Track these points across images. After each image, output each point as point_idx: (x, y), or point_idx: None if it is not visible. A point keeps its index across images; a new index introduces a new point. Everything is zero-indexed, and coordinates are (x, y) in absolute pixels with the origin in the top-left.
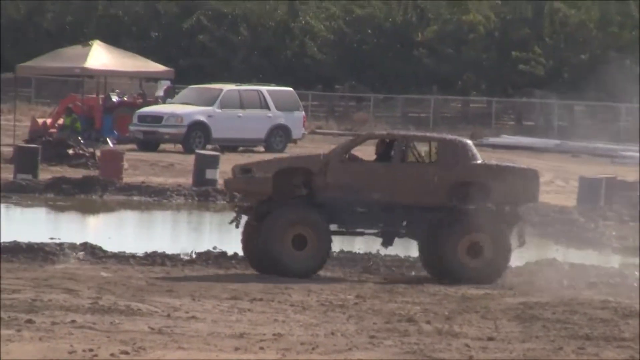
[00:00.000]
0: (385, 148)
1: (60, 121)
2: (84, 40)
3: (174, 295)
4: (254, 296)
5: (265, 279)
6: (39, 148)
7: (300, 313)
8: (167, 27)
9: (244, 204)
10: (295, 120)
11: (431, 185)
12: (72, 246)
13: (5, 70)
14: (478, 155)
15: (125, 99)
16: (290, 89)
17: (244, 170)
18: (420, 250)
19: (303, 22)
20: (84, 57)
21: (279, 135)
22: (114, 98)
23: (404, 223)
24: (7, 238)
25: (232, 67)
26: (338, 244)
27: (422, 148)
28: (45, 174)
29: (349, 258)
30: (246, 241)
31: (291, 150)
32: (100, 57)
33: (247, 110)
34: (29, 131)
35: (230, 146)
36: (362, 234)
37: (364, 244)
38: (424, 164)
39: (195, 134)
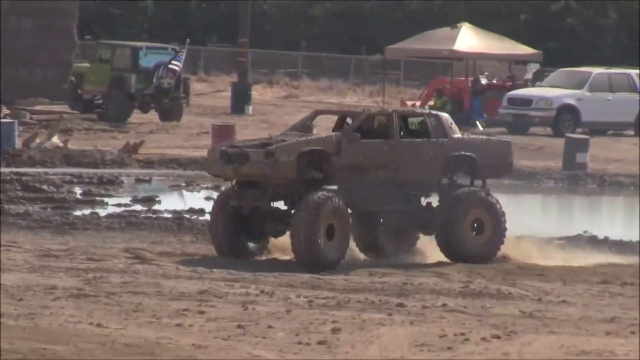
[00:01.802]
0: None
1: (430, 103)
2: (453, 22)
3: (544, 279)
4: (624, 280)
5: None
6: None
7: None
8: (536, 9)
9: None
10: None
11: (429, 160)
12: None
13: (374, 52)
14: (457, 128)
15: (494, 81)
16: None
17: (268, 154)
18: (439, 228)
19: None
20: (453, 39)
21: None
22: (483, 81)
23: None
24: None
25: (600, 50)
26: None
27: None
28: None
29: None
30: (224, 222)
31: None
32: (468, 39)
33: (617, 93)
34: None
35: (599, 130)
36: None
37: None
38: (422, 140)
39: (564, 117)
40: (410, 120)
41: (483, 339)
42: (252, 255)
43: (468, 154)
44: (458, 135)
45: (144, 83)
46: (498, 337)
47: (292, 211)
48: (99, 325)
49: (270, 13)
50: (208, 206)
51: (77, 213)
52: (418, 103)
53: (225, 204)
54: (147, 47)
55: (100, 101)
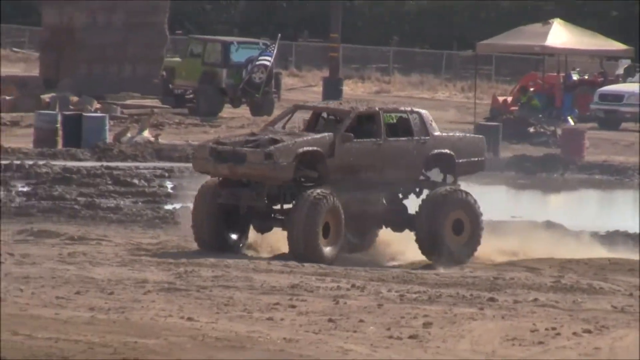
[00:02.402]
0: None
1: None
2: (544, 18)
3: (635, 274)
4: None
5: None
6: (499, 126)
7: None
8: (627, 6)
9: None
10: None
11: (413, 159)
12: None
13: (465, 48)
14: (436, 125)
15: (586, 77)
16: None
17: (267, 155)
18: (419, 228)
19: None
20: (544, 35)
21: None
22: (574, 76)
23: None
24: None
25: None
26: None
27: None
28: (506, 151)
29: None
30: (209, 217)
31: None
32: (560, 35)
33: None
34: (490, 109)
35: None
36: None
37: None
38: (407, 138)
39: None
40: (391, 117)
41: (574, 333)
42: (233, 249)
43: (447, 151)
44: (438, 132)
45: (235, 78)
46: (589, 332)
47: (277, 208)
48: (189, 319)
49: (362, 9)
50: None
51: (168, 207)
52: (509, 98)
53: (209, 199)
54: (238, 42)
55: (191, 96)
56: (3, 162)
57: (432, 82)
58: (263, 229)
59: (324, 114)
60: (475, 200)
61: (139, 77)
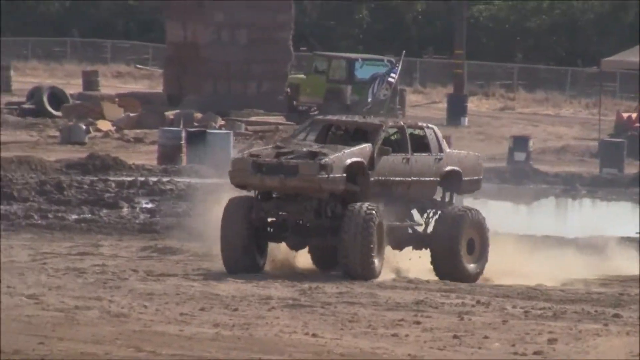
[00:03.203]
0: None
1: None
2: None
3: None
4: None
5: None
6: (624, 142)
7: None
8: None
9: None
10: None
11: (432, 175)
12: None
13: (590, 65)
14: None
15: None
16: None
17: (323, 167)
18: (437, 248)
19: None
20: None
21: None
22: None
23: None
24: (593, 232)
25: None
26: None
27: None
28: (631, 168)
29: None
30: (242, 236)
31: None
32: None
33: None
34: (614, 125)
35: None
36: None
37: None
38: (427, 154)
39: None
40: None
41: None
42: (259, 270)
43: (457, 168)
44: (448, 149)
45: (360, 94)
46: None
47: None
48: (314, 335)
49: (486, 25)
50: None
51: None
52: (634, 115)
53: (242, 217)
54: (362, 59)
55: (315, 112)
56: (127, 178)
57: (557, 99)
58: (299, 246)
59: (334, 128)
60: (484, 219)
61: (264, 94)
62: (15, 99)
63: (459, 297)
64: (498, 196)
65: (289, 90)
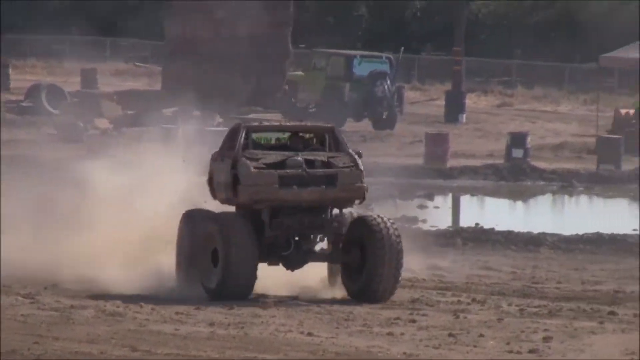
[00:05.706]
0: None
1: None
2: None
3: None
4: None
5: None
6: (621, 138)
7: None
8: None
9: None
10: None
11: None
12: None
13: (588, 61)
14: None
15: None
16: None
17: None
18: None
19: None
20: None
21: None
22: None
23: None
24: (590, 229)
25: None
26: None
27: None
28: (628, 164)
29: None
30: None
31: None
32: None
33: None
34: (612, 122)
35: None
36: None
37: None
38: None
39: None
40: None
41: None
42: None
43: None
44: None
45: (358, 91)
46: None
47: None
48: (309, 334)
49: (485, 22)
50: (421, 214)
51: None
52: (632, 111)
53: (251, 236)
54: (361, 56)
55: (314, 109)
56: None
57: (555, 95)
58: (298, 264)
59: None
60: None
61: (262, 91)
62: (13, 97)
63: (455, 295)
64: (496, 193)
65: (287, 87)
